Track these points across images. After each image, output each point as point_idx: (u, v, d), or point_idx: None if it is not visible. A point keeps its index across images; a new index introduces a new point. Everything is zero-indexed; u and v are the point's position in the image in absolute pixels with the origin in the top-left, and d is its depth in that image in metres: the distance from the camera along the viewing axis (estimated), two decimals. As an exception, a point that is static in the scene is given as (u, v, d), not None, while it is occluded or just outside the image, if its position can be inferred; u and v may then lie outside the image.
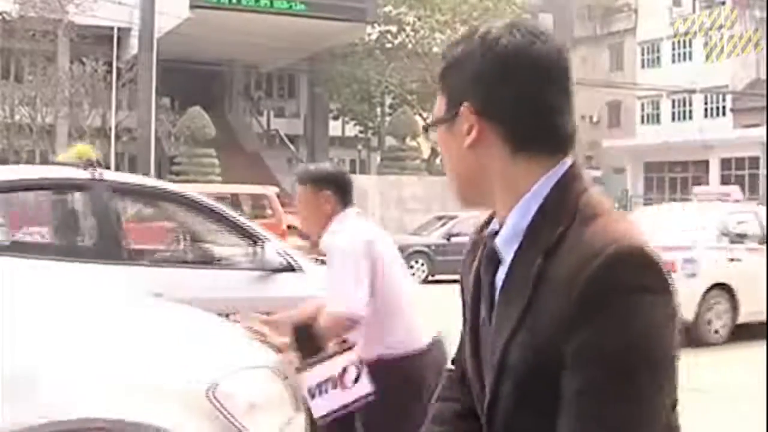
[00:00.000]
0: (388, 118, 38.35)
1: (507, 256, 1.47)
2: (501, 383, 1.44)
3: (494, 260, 1.50)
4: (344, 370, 3.22)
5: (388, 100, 40.17)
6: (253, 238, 6.00)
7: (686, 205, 17.90)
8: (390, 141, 35.03)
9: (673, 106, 49.23)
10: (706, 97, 46.79)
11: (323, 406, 3.17)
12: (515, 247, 1.46)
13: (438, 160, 39.60)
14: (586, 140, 52.24)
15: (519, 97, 1.45)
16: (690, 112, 48.26)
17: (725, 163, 44.01)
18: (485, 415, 1.50)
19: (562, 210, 1.43)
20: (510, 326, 1.41)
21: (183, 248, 6.68)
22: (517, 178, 1.46)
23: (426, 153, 34.63)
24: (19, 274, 4.12)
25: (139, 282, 5.16)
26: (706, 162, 44.58)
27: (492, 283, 1.51)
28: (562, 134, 1.48)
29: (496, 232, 1.50)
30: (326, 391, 3.18)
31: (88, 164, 5.66)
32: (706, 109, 47.43)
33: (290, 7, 30.20)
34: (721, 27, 45.31)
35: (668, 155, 45.18)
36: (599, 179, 49.42)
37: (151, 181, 7.57)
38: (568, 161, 1.48)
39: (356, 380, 3.22)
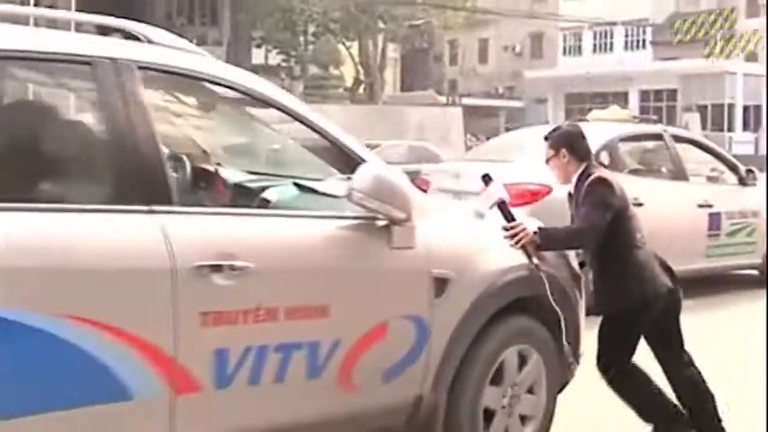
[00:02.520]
0: (311, 47, 38.06)
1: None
2: None
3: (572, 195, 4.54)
4: None
5: (312, 29, 39.72)
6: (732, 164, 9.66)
7: None
8: (313, 69, 34.83)
9: (595, 38, 49.76)
10: (626, 30, 47.37)
11: None
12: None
13: (361, 89, 39.52)
14: (508, 70, 52.67)
15: (579, 145, 4.47)
16: (611, 44, 48.86)
17: (644, 95, 44.83)
18: None
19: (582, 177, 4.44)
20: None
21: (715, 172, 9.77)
22: (576, 171, 4.42)
23: (349, 81, 34.49)
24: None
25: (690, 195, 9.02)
26: (626, 93, 45.36)
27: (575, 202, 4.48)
28: (588, 154, 4.48)
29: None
30: None
31: (648, 120, 10.35)
32: (626, 42, 48.06)
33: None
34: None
35: (589, 86, 45.81)
36: (521, 110, 50.05)
37: (684, 132, 11.19)
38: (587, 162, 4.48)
39: None
